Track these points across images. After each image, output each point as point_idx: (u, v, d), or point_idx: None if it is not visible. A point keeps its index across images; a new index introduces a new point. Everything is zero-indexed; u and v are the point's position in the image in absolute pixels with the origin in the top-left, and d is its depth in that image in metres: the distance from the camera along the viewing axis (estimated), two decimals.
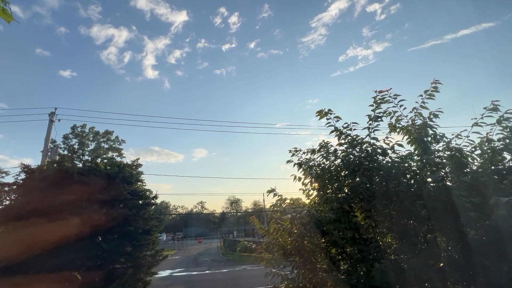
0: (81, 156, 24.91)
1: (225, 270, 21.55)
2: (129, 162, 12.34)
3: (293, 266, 3.49)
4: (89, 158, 24.63)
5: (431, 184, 2.97)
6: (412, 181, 3.21)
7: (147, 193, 12.03)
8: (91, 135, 25.79)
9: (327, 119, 3.74)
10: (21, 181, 10.05)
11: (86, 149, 25.39)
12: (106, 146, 26.35)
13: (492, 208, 2.45)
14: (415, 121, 3.39)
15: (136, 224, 10.52)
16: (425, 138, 3.26)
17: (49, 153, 14.80)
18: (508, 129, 3.10)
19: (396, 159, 3.44)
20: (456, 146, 3.19)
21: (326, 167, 3.73)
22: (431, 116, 3.30)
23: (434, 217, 2.88)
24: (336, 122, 3.73)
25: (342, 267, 3.37)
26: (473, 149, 3.25)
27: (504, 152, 3.12)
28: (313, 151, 3.92)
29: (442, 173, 3.07)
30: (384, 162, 3.46)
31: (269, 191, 4.04)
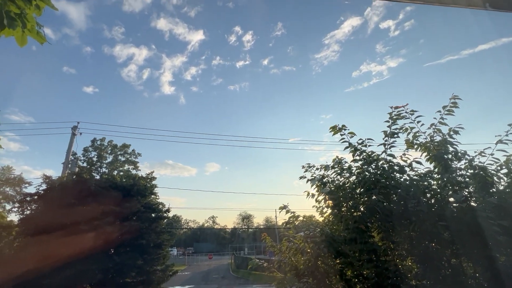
0: (99, 169, 25.75)
1: None
2: (144, 175, 12.60)
3: (306, 287, 3.33)
4: (106, 171, 25.41)
5: (454, 204, 2.81)
6: (433, 201, 3.05)
7: (160, 206, 12.14)
8: (109, 148, 26.74)
9: (341, 135, 3.69)
10: (42, 192, 10.46)
11: (104, 161, 26.27)
12: (123, 159, 27.15)
13: None
14: (434, 138, 3.27)
15: (148, 237, 10.55)
16: (445, 156, 3.12)
17: (69, 165, 15.43)
18: None
19: (415, 177, 3.31)
20: (480, 164, 3.03)
21: (341, 184, 3.63)
22: (451, 133, 3.18)
23: (459, 240, 2.70)
24: (350, 138, 3.67)
25: None
26: (499, 168, 3.07)
27: None
28: (326, 167, 3.85)
29: (466, 193, 2.90)
30: (402, 180, 3.33)
31: (282, 208, 3.96)
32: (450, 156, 3.14)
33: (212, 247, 71.44)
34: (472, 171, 3.04)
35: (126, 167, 26.93)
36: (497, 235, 2.33)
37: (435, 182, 3.24)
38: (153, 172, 12.69)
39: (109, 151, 26.91)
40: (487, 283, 2.64)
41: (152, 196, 12.30)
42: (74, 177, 11.96)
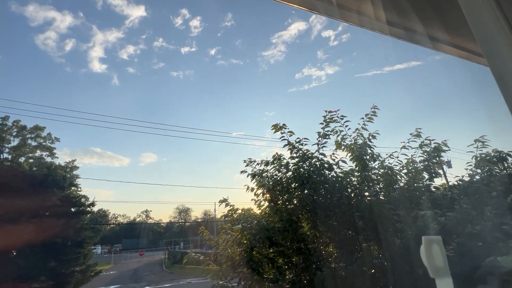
0: None
1: (167, 285, 20.10)
2: (63, 164, 10.87)
3: (240, 277, 3.47)
4: (10, 157, 20.87)
5: (368, 198, 3.33)
6: (353, 195, 3.56)
7: (82, 199, 10.70)
8: (15, 130, 21.98)
9: (282, 133, 3.93)
10: None
11: (7, 145, 21.50)
12: (34, 143, 22.67)
13: (414, 220, 2.86)
14: (357, 141, 3.80)
15: (65, 235, 9.19)
16: (364, 157, 3.66)
17: None
18: (426, 153, 3.71)
19: (340, 174, 3.78)
20: (389, 165, 3.67)
21: (278, 179, 3.88)
22: (370, 137, 3.75)
23: (369, 227, 3.22)
24: (289, 136, 3.94)
25: (287, 277, 3.48)
26: (401, 168, 3.78)
27: (424, 172, 3.70)
28: (267, 163, 4.04)
29: (377, 188, 3.48)
30: (330, 176, 3.77)
31: (222, 201, 3.99)
32: (368, 157, 3.70)
33: (144, 243, 66.76)
34: (382, 170, 3.66)
35: (39, 153, 22.65)
36: (395, 223, 2.88)
37: (355, 179, 3.78)
38: (74, 160, 11.10)
39: (14, 133, 22.11)
40: (386, 262, 3.24)
41: (73, 188, 10.74)
42: None
